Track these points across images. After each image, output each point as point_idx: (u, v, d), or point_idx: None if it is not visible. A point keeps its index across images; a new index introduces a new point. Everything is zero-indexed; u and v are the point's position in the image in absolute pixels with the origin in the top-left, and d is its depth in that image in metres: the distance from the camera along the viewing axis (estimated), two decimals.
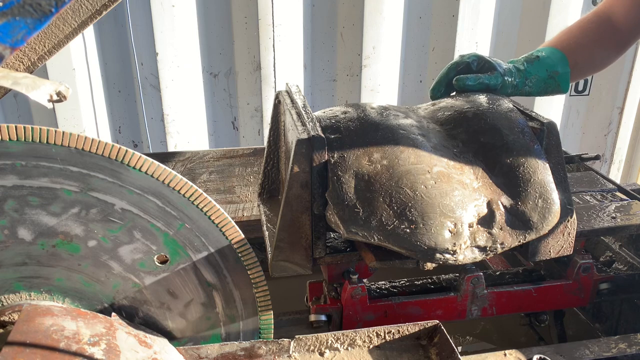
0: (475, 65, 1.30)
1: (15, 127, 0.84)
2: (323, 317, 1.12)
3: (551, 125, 1.05)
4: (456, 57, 1.36)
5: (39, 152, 0.86)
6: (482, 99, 1.17)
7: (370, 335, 1.00)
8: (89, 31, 2.40)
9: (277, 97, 1.20)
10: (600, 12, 1.39)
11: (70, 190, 0.89)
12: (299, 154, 0.96)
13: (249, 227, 1.37)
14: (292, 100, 1.14)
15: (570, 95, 2.88)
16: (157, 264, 0.97)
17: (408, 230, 0.92)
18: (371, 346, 1.00)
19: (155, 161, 0.92)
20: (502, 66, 1.28)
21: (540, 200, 1.00)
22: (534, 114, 1.10)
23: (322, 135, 0.97)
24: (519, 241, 0.99)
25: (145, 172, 0.91)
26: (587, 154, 1.52)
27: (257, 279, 1.03)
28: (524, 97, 1.32)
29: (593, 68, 1.42)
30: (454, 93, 1.32)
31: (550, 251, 1.07)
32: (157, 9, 2.39)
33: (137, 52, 2.46)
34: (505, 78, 1.26)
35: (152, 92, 2.57)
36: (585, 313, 1.39)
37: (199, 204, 0.95)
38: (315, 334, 0.98)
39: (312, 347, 0.97)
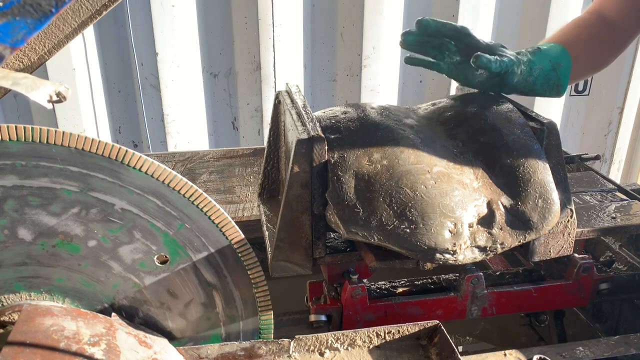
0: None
1: (15, 127, 0.84)
2: (323, 317, 1.12)
3: (551, 125, 1.05)
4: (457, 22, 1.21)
5: (39, 152, 0.86)
6: (482, 98, 1.17)
7: (370, 335, 1.00)
8: (89, 31, 2.41)
9: (277, 97, 1.20)
10: (594, 11, 1.37)
11: (70, 190, 0.89)
12: (299, 154, 0.96)
13: (249, 227, 1.37)
14: (292, 100, 1.14)
15: (570, 95, 2.88)
16: (157, 264, 0.97)
17: (408, 230, 0.92)
18: (371, 346, 1.00)
19: (155, 161, 0.92)
20: (507, 51, 1.19)
21: (540, 200, 1.00)
22: (534, 114, 1.10)
23: (322, 135, 0.97)
24: (519, 241, 0.99)
25: (145, 172, 0.91)
26: (587, 154, 1.52)
27: (257, 279, 1.03)
28: (523, 97, 1.28)
29: (592, 67, 1.36)
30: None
31: (550, 251, 1.07)
32: (157, 9, 2.39)
33: (137, 52, 2.47)
34: (514, 64, 1.16)
35: (152, 92, 2.57)
36: (585, 313, 1.39)
37: (199, 204, 0.95)
38: (315, 334, 0.98)
39: (312, 347, 0.97)
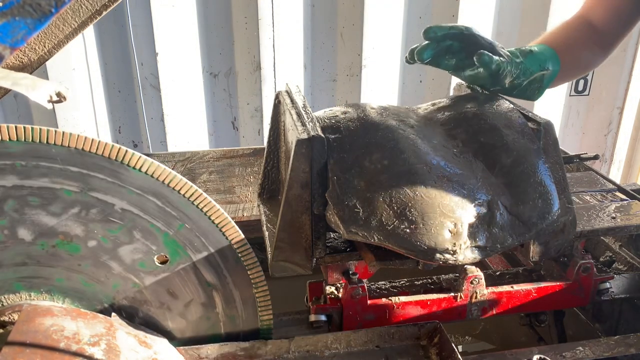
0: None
1: (15, 127, 0.84)
2: (323, 317, 1.12)
3: (548, 125, 1.05)
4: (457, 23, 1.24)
5: (39, 152, 0.86)
6: (482, 99, 1.17)
7: (371, 335, 1.01)
8: (89, 31, 2.41)
9: (277, 97, 1.20)
10: (580, 16, 1.38)
11: (70, 190, 0.89)
12: (299, 154, 0.96)
13: (249, 227, 1.37)
14: (292, 100, 1.14)
15: (570, 95, 2.88)
16: (157, 264, 0.97)
17: (408, 230, 0.92)
18: (371, 346, 1.00)
19: (155, 161, 0.92)
20: (504, 51, 1.18)
21: (540, 200, 1.00)
22: (530, 114, 1.11)
23: (322, 135, 0.97)
24: (519, 241, 0.99)
25: (145, 172, 0.91)
26: (586, 153, 1.52)
27: (257, 279, 1.03)
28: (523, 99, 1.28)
29: (578, 69, 1.37)
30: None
31: (550, 251, 1.07)
32: (157, 9, 2.39)
33: (137, 52, 2.47)
34: (508, 64, 1.17)
35: (152, 92, 2.57)
36: (585, 313, 1.39)
37: (199, 204, 0.95)
38: (315, 334, 0.98)
39: (312, 347, 0.98)
